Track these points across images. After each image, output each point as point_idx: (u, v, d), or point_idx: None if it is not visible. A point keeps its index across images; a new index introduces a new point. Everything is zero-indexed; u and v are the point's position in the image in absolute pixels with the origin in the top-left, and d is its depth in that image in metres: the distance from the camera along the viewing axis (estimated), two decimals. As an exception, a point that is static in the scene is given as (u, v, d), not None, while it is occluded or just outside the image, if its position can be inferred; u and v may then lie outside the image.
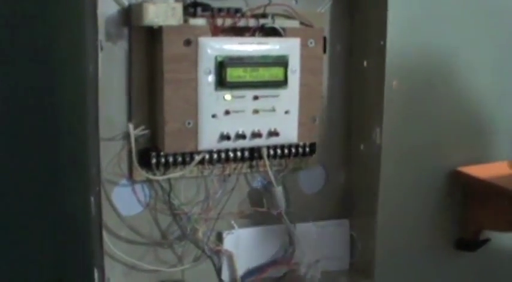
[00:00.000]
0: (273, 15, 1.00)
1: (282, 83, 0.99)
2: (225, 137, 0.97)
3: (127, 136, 0.97)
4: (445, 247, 1.22)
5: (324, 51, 1.05)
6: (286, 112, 1.00)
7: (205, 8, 0.97)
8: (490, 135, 1.23)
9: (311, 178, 1.12)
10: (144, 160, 0.97)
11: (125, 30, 0.95)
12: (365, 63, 1.08)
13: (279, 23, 1.00)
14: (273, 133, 0.99)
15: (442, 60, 1.11)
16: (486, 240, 1.22)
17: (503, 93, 1.24)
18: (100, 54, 0.92)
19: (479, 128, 1.21)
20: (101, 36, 0.93)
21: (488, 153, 1.23)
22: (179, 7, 0.93)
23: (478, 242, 1.22)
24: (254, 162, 1.04)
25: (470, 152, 1.21)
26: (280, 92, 0.99)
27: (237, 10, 0.98)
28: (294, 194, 1.10)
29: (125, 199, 1.00)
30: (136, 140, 0.97)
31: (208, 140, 0.96)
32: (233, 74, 0.95)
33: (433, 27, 1.10)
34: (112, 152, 0.97)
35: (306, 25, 1.04)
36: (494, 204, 1.17)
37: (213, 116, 0.96)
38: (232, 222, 1.06)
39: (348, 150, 1.13)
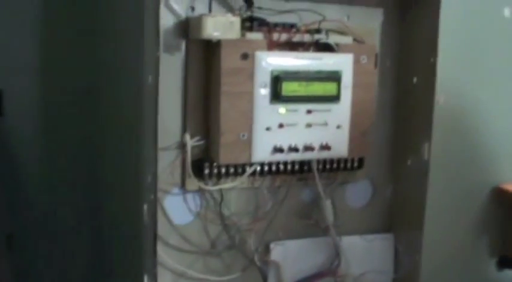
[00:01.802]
0: (327, 31, 1.02)
1: (335, 98, 1.00)
2: (278, 150, 0.98)
3: (181, 146, 0.99)
4: (488, 264, 1.22)
5: (375, 67, 1.07)
6: (338, 127, 1.02)
7: (262, 22, 0.98)
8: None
9: (358, 192, 1.13)
10: (197, 170, 0.99)
11: (182, 43, 0.97)
12: (414, 80, 1.09)
13: (332, 39, 1.01)
14: (325, 147, 1.01)
15: (490, 76, 1.12)
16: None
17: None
18: (157, 65, 0.94)
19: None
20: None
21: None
22: (237, 21, 0.94)
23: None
24: (304, 175, 1.06)
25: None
26: (333, 106, 1.01)
27: (292, 25, 1.00)
28: (341, 207, 1.11)
29: (176, 208, 1.02)
30: (190, 150, 0.98)
31: (261, 152, 0.98)
32: (288, 88, 0.97)
33: (483, 44, 1.10)
34: (166, 161, 0.99)
35: (358, 41, 1.05)
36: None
37: (267, 128, 0.97)
38: (280, 233, 1.07)
39: (396, 165, 1.14)
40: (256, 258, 1.04)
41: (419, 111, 1.07)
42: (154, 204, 0.96)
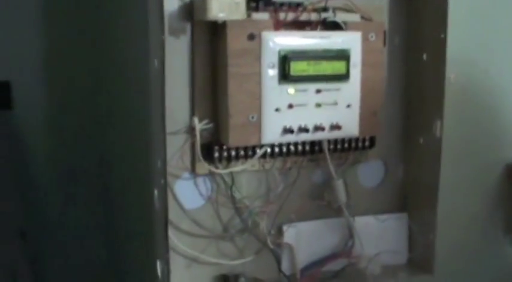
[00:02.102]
0: (334, 9, 1.00)
1: (344, 77, 0.99)
2: (288, 131, 0.97)
3: (190, 130, 0.98)
4: (504, 240, 1.20)
5: (384, 44, 1.05)
6: (348, 106, 1.00)
7: (268, 2, 0.97)
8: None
9: (370, 172, 1.12)
10: (207, 154, 0.98)
11: (187, 25, 0.96)
12: (424, 56, 1.07)
13: (340, 17, 1.00)
14: (335, 127, 1.00)
15: (503, 52, 1.10)
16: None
17: None
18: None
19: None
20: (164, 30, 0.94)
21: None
22: (243, 1, 0.93)
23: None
24: (315, 156, 1.05)
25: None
26: (342, 85, 0.99)
27: (299, 4, 0.98)
28: (353, 188, 1.09)
29: (187, 192, 1.01)
30: (199, 133, 0.98)
31: (271, 133, 0.97)
32: (296, 67, 0.96)
33: (494, 20, 1.09)
34: (175, 145, 0.98)
35: (365, 19, 1.03)
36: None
37: (277, 109, 0.96)
38: (293, 215, 1.06)
39: (407, 144, 1.12)
40: (269, 241, 1.03)
41: (430, 88, 1.06)
42: (165, 189, 0.96)
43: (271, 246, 1.04)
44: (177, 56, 0.96)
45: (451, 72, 1.07)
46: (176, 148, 0.99)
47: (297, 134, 0.98)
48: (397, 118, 1.12)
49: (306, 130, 0.98)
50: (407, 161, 1.13)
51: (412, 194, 1.13)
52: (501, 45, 1.11)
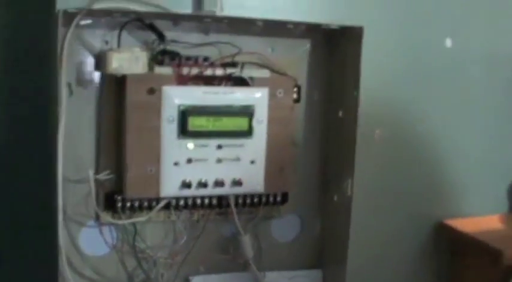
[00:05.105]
0: (243, 64, 1.00)
1: (247, 133, 0.99)
2: (186, 185, 0.97)
3: (96, 179, 0.99)
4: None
5: (298, 100, 1.05)
6: (252, 162, 1.00)
7: (174, 56, 0.98)
8: (481, 187, 1.19)
9: (285, 227, 1.11)
10: (111, 203, 0.99)
11: (96, 76, 0.98)
12: (340, 113, 1.06)
13: (247, 73, 1.00)
14: (237, 182, 1.00)
15: (423, 109, 1.11)
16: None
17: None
18: (70, 98, 0.95)
19: (470, 180, 1.18)
20: (72, 80, 0.96)
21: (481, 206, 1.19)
22: (144, 56, 0.94)
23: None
24: (223, 210, 1.04)
25: (459, 205, 1.17)
26: (245, 141, 0.99)
27: (206, 59, 0.99)
28: (266, 242, 1.09)
29: (91, 240, 1.01)
30: (102, 183, 0.99)
31: (170, 187, 0.97)
32: (195, 123, 0.96)
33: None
34: (81, 193, 0.99)
35: (280, 74, 1.03)
36: (475, 262, 1.12)
37: (175, 163, 0.97)
38: (201, 267, 1.06)
39: (324, 200, 1.11)
40: (173, 293, 1.04)
41: (343, 145, 1.05)
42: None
43: (173, 299, 1.03)
44: (84, 106, 0.98)
45: (374, 129, 1.07)
46: (81, 196, 0.99)
47: (196, 188, 0.98)
48: (315, 174, 1.11)
49: (204, 185, 0.98)
50: (324, 217, 1.12)
51: (327, 251, 1.11)
52: (420, 102, 1.10)
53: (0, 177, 1.03)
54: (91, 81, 0.98)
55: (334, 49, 1.08)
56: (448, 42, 1.13)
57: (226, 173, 0.99)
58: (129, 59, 0.93)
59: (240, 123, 0.99)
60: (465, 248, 1.15)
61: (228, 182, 0.99)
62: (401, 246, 1.14)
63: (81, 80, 0.98)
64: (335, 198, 1.08)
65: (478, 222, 1.16)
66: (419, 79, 1.11)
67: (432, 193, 1.15)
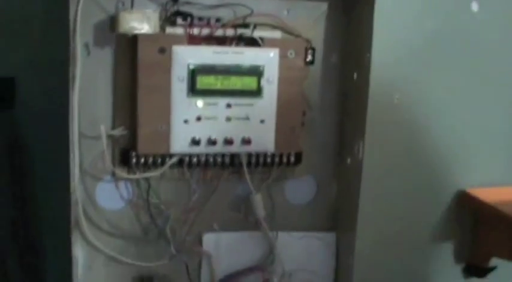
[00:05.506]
0: (255, 25, 1.01)
1: (256, 93, 1.00)
2: (196, 142, 1.00)
3: (111, 135, 1.03)
4: (452, 272, 1.16)
5: (312, 62, 1.05)
6: (262, 121, 1.01)
7: (185, 17, 1.00)
8: (506, 156, 1.15)
9: (299, 188, 1.11)
10: (126, 159, 1.03)
11: (112, 37, 1.01)
12: (355, 76, 1.06)
13: (258, 34, 1.01)
14: (246, 141, 1.01)
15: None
16: (494, 268, 1.15)
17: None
18: (88, 58, 0.99)
19: (495, 148, 1.14)
20: (89, 40, 1.00)
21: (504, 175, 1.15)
22: (155, 16, 0.97)
23: (486, 269, 1.15)
24: (236, 169, 1.06)
25: (484, 173, 1.14)
26: (255, 101, 1.01)
27: (218, 20, 1.00)
28: (279, 203, 1.10)
29: (108, 194, 1.05)
30: (117, 139, 1.02)
31: (179, 144, 1.00)
32: (203, 81, 0.98)
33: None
34: (97, 149, 1.03)
35: (296, 36, 1.04)
36: (498, 233, 1.10)
37: (185, 121, 0.99)
38: (215, 225, 1.09)
39: (338, 163, 1.11)
40: (185, 248, 1.06)
41: (357, 108, 1.04)
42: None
43: (185, 255, 1.06)
44: (101, 65, 1.01)
45: (395, 95, 1.06)
46: (99, 152, 1.03)
47: (206, 146, 1.00)
48: (331, 137, 1.11)
49: (214, 143, 1.00)
50: (339, 180, 1.12)
51: (341, 214, 1.11)
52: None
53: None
54: (107, 41, 1.01)
55: (351, 11, 1.07)
56: (475, 6, 1.09)
57: (236, 132, 1.01)
58: (140, 20, 0.96)
59: (249, 82, 1.00)
60: (488, 218, 1.12)
61: (237, 140, 1.01)
62: (421, 214, 1.12)
63: (98, 41, 1.01)
64: (348, 161, 1.08)
65: (501, 192, 1.13)
66: (442, 44, 1.08)
67: (454, 161, 1.13)
